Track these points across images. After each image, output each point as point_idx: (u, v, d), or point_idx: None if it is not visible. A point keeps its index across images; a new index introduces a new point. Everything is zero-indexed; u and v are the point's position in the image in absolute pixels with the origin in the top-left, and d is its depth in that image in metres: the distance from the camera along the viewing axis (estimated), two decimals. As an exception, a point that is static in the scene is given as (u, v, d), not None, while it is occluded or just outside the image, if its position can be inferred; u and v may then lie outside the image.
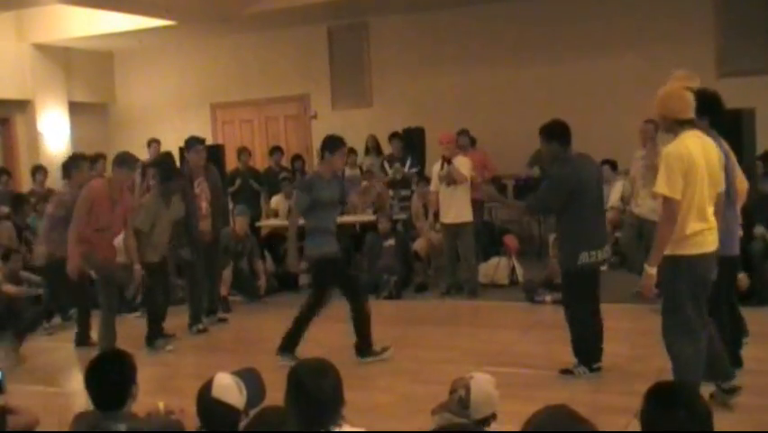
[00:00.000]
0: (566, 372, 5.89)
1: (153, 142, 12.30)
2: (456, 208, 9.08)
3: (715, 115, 5.10)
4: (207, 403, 3.12)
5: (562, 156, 5.87)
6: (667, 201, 4.42)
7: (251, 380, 3.30)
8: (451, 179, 8.97)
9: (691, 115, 4.56)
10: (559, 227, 6.09)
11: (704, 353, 4.62)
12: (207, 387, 3.16)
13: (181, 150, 10.39)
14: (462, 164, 9.09)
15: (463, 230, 9.13)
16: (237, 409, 3.13)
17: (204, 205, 8.27)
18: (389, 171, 11.18)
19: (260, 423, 3.18)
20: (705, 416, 2.46)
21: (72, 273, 6.91)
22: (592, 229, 5.80)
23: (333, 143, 6.76)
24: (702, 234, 4.51)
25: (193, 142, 8.33)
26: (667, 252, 4.53)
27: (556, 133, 5.89)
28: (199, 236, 8.16)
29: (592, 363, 5.88)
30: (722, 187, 4.69)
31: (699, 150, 4.49)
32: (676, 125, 4.56)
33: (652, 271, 4.52)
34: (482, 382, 3.43)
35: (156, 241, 7.56)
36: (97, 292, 7.28)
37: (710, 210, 4.56)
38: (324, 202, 6.68)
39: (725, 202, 4.92)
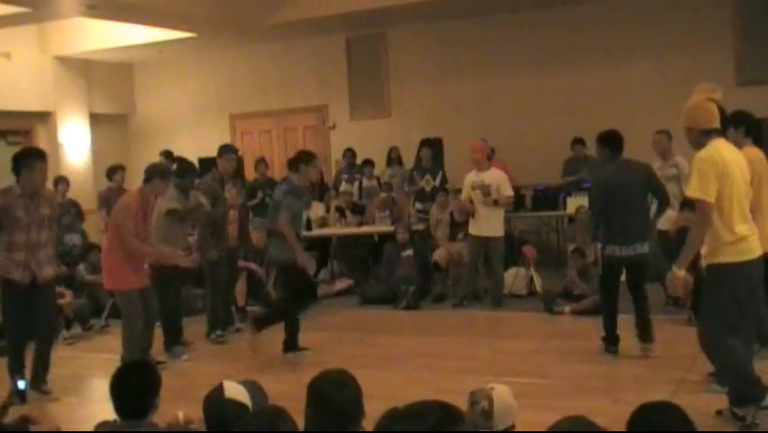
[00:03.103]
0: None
1: (119, 169, 11.35)
2: (490, 221, 9.05)
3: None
4: (220, 404, 3.12)
5: (612, 160, 6.54)
6: (700, 204, 4.48)
7: (253, 390, 3.32)
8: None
9: (716, 124, 4.66)
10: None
11: (747, 354, 4.70)
12: (218, 391, 3.18)
13: (200, 160, 10.47)
14: (502, 182, 9.09)
15: (495, 243, 9.12)
16: (249, 408, 3.16)
17: (232, 211, 8.36)
18: (419, 182, 11.11)
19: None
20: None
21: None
22: (618, 227, 6.39)
23: (308, 156, 7.33)
24: (747, 241, 4.55)
25: (225, 150, 8.47)
26: (712, 260, 4.56)
27: (608, 139, 6.57)
28: (227, 240, 8.25)
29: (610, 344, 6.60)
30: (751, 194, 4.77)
31: (730, 154, 4.61)
32: (703, 136, 4.65)
33: (681, 272, 4.55)
34: (504, 393, 3.45)
35: (173, 243, 7.58)
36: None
37: (749, 215, 4.64)
38: (297, 213, 7.20)
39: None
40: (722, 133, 4.71)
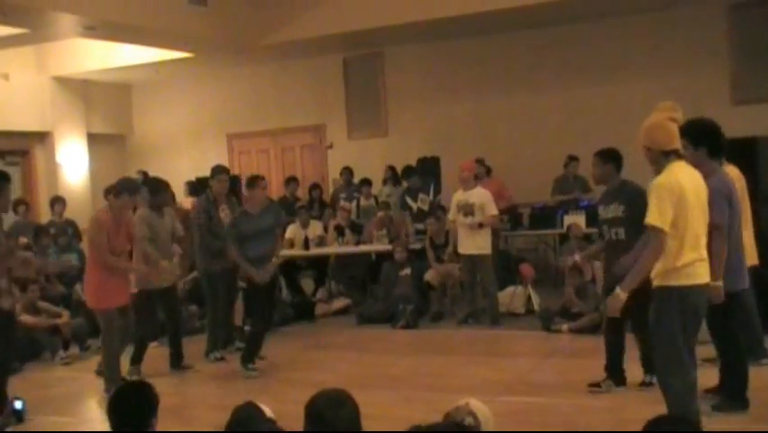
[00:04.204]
0: (644, 384, 6.08)
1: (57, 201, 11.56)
2: (474, 240, 9.08)
3: (714, 143, 5.05)
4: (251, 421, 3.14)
5: (615, 178, 6.18)
6: (656, 232, 4.37)
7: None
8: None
9: (676, 145, 4.54)
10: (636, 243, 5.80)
11: (695, 385, 4.56)
12: (250, 408, 3.20)
13: (198, 179, 10.48)
14: (486, 201, 9.11)
15: (481, 261, 9.13)
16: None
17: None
18: (413, 205, 11.12)
19: None
20: None
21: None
22: None
23: (249, 181, 7.62)
24: (694, 266, 4.43)
25: (218, 171, 8.51)
26: (659, 282, 4.47)
27: (614, 156, 6.21)
28: (226, 256, 8.25)
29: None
30: (707, 219, 4.59)
31: (687, 179, 4.47)
32: (662, 157, 4.52)
33: (623, 295, 4.47)
34: (480, 405, 3.46)
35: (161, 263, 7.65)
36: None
37: (704, 241, 4.50)
38: (248, 235, 7.41)
39: (728, 234, 5.00)
40: (680, 155, 4.56)
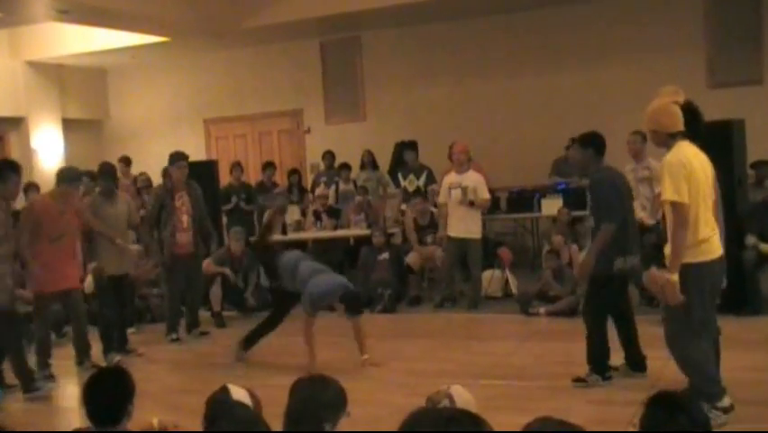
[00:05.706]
0: (579, 380, 5.88)
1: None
2: (466, 223, 9.10)
3: (691, 126, 5.15)
4: (226, 406, 3.13)
5: (597, 164, 5.93)
6: (677, 207, 4.58)
7: (251, 394, 3.33)
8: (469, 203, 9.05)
9: (681, 127, 4.76)
10: (594, 232, 5.86)
11: (711, 352, 4.79)
12: (224, 394, 3.19)
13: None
14: (479, 184, 9.15)
15: (472, 245, 9.15)
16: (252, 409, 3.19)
17: (185, 218, 8.45)
18: (404, 183, 11.08)
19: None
20: (704, 422, 2.56)
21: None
22: (628, 235, 5.82)
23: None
24: (710, 241, 4.68)
25: (177, 158, 8.53)
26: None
27: (594, 141, 5.96)
28: (174, 246, 8.40)
29: (605, 371, 5.90)
30: (713, 195, 4.86)
31: (694, 157, 4.70)
32: (668, 138, 4.77)
33: (675, 277, 4.61)
34: (461, 390, 3.47)
35: (112, 250, 7.72)
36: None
37: (712, 214, 4.75)
38: None
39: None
40: (686, 135, 4.79)
